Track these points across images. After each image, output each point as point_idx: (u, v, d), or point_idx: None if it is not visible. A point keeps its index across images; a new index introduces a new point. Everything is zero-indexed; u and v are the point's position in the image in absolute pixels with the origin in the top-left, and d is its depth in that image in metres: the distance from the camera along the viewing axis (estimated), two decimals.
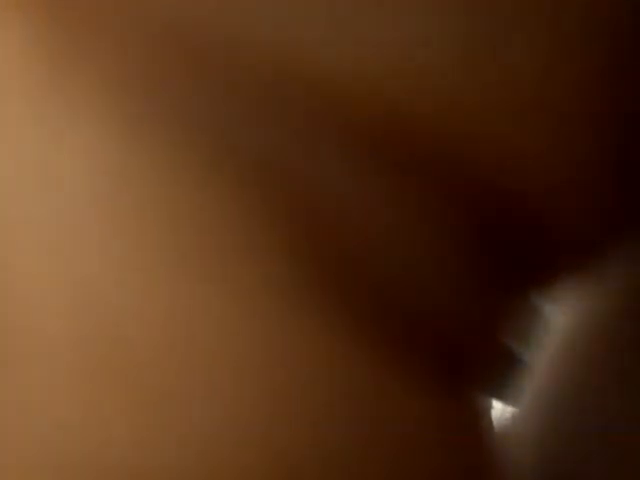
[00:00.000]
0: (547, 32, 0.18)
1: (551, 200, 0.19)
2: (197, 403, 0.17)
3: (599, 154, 0.19)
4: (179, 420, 0.17)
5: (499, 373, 0.23)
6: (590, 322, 0.23)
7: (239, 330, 0.18)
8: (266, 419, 0.17)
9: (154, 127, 0.18)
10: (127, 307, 0.17)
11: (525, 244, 0.20)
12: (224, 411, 0.17)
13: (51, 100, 0.18)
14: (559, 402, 0.23)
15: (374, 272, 0.19)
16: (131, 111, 0.18)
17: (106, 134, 0.18)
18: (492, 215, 0.19)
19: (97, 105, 0.18)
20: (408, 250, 0.19)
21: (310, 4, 0.17)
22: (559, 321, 0.24)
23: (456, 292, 0.20)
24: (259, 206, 0.18)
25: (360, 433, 0.18)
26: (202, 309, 0.18)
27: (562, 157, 0.19)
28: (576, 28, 0.18)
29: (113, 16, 0.18)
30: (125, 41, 0.18)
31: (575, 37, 0.18)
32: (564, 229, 0.20)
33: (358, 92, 0.17)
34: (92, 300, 0.17)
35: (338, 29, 0.17)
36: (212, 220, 0.18)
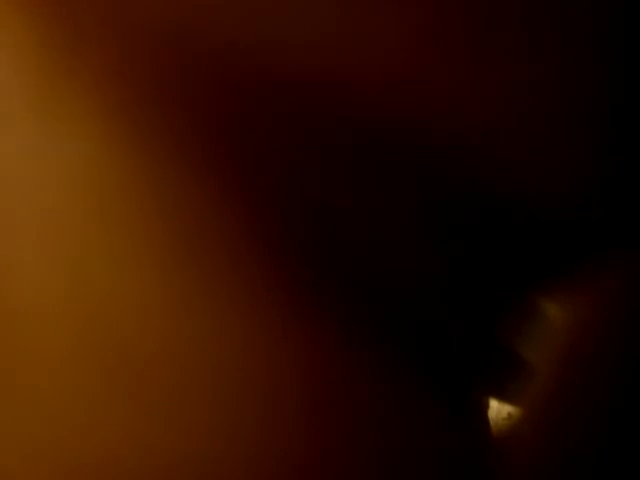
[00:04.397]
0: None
1: (550, 201, 0.19)
2: (195, 403, 0.17)
3: (593, 156, 0.19)
4: (179, 420, 0.17)
5: (499, 373, 0.23)
6: (590, 321, 0.23)
7: (232, 330, 0.18)
8: (261, 418, 0.17)
9: (143, 128, 0.18)
10: (122, 299, 0.17)
11: (525, 244, 0.20)
12: (223, 411, 0.17)
13: (49, 99, 0.18)
14: (559, 401, 0.23)
15: (370, 272, 0.19)
16: (120, 111, 0.18)
17: (99, 131, 0.18)
18: (492, 215, 0.19)
19: (92, 104, 0.18)
20: (407, 251, 0.19)
21: (307, 7, 0.17)
22: (559, 321, 0.24)
23: (456, 292, 0.20)
24: (245, 206, 0.18)
25: (359, 433, 0.18)
26: (195, 306, 0.18)
27: (557, 162, 0.19)
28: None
29: (111, 19, 0.18)
30: (121, 43, 0.18)
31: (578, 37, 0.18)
32: (563, 229, 0.20)
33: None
34: (88, 289, 0.17)
35: (337, 30, 0.17)
36: (202, 223, 0.18)
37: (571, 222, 0.20)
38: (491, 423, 0.22)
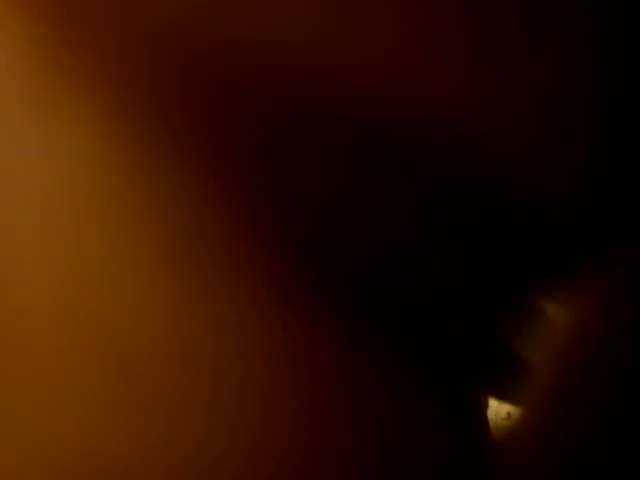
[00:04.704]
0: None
1: (550, 201, 0.19)
2: (195, 403, 0.17)
3: (593, 156, 0.19)
4: (179, 420, 0.17)
5: (499, 373, 0.23)
6: (590, 321, 0.23)
7: (231, 330, 0.18)
8: (261, 418, 0.17)
9: (142, 128, 0.18)
10: (122, 299, 0.17)
11: (525, 244, 0.20)
12: (223, 411, 0.17)
13: (48, 99, 0.18)
14: (559, 401, 0.23)
15: (370, 272, 0.19)
16: (119, 111, 0.18)
17: (93, 131, 0.18)
18: (492, 215, 0.19)
19: (91, 104, 0.18)
20: (407, 251, 0.19)
21: (309, 6, 0.17)
22: (559, 320, 0.24)
23: (456, 292, 0.20)
24: (243, 206, 0.18)
25: (358, 433, 0.18)
26: (195, 306, 0.18)
27: (557, 162, 0.19)
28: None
29: (110, 19, 0.18)
30: (120, 43, 0.18)
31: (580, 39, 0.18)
32: (563, 229, 0.20)
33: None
34: (87, 289, 0.17)
35: (337, 30, 0.17)
36: (200, 222, 0.18)
37: (571, 222, 0.20)
38: (490, 423, 0.22)
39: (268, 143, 0.18)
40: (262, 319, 0.18)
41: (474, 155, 0.18)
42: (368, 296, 0.19)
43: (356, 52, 0.18)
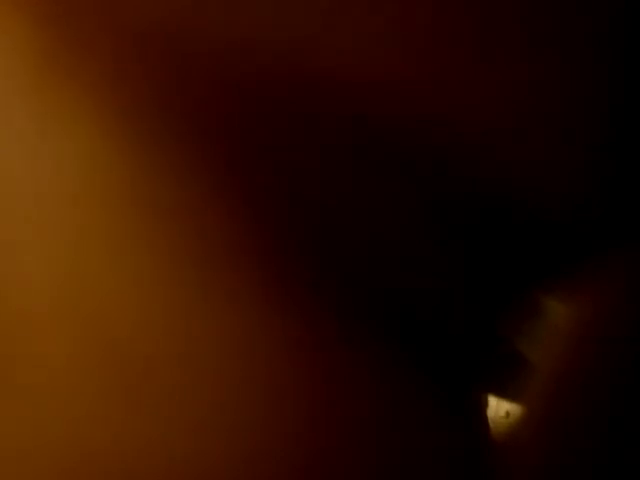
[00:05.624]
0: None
1: (550, 201, 0.19)
2: (195, 403, 0.17)
3: (593, 156, 0.19)
4: (178, 420, 0.17)
5: (499, 372, 0.23)
6: (590, 321, 0.23)
7: (231, 330, 0.18)
8: (261, 418, 0.17)
9: (141, 128, 0.18)
10: (121, 299, 0.17)
11: (525, 244, 0.20)
12: (223, 411, 0.17)
13: (48, 100, 0.18)
14: (559, 400, 0.23)
15: (370, 272, 0.19)
16: (119, 111, 0.18)
17: (93, 132, 0.18)
18: (492, 215, 0.19)
19: (91, 105, 0.18)
20: (407, 251, 0.19)
21: (301, 5, 0.17)
22: (559, 320, 0.24)
23: (456, 292, 0.20)
24: (243, 206, 0.18)
25: (358, 432, 0.18)
26: (195, 306, 0.18)
27: (557, 162, 0.19)
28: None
29: (107, 17, 0.18)
30: (119, 42, 0.18)
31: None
32: (563, 229, 0.20)
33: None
34: (87, 290, 0.17)
35: (337, 30, 0.17)
36: (200, 222, 0.18)
37: (571, 222, 0.20)
38: (492, 422, 0.22)
39: (268, 143, 0.18)
40: (262, 319, 0.18)
41: (474, 155, 0.18)
42: (368, 296, 0.19)
43: (356, 52, 0.18)
